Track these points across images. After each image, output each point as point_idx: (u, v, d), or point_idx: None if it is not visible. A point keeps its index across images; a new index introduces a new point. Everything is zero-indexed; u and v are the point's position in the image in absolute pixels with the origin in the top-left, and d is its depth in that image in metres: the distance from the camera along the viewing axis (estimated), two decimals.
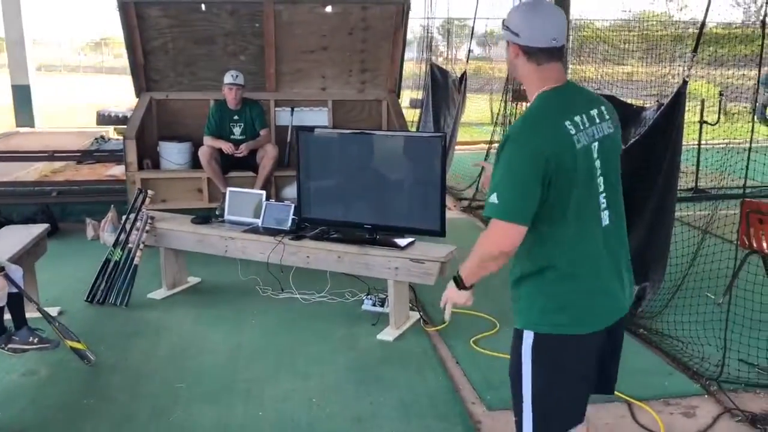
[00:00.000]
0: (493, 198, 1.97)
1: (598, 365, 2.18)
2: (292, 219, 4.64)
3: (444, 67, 11.01)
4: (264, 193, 4.96)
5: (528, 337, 2.09)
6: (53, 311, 4.53)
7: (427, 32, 11.70)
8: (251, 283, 5.02)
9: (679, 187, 5.25)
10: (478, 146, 11.58)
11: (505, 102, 7.44)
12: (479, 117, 14.97)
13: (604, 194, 2.08)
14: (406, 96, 13.69)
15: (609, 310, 2.13)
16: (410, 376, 3.72)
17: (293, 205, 4.68)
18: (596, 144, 2.06)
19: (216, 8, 6.38)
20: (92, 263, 5.05)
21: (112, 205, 6.22)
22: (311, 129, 4.71)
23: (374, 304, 4.64)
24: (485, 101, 14.97)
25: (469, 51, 9.72)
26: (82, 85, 27.32)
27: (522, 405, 2.13)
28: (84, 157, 8.52)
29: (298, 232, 4.56)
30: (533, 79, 2.08)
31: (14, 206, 6.67)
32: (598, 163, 2.06)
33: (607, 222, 2.09)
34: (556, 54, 2.06)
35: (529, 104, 2.12)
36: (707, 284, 4.42)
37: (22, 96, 13.53)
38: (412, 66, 14.27)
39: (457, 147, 10.56)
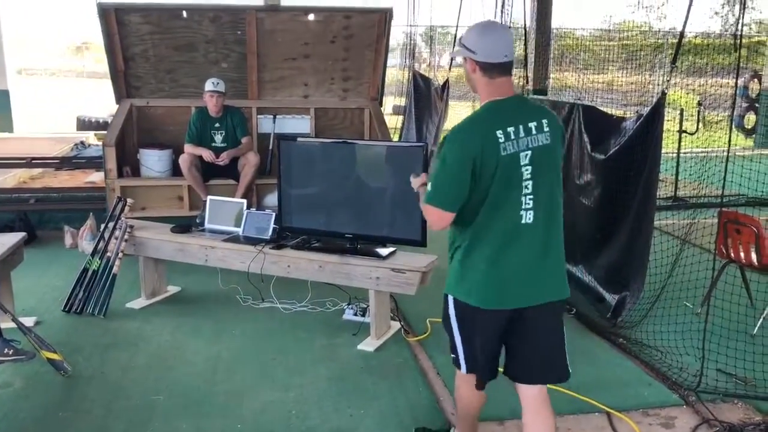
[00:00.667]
0: (429, 187, 2.41)
1: (504, 344, 2.60)
2: (273, 228, 4.61)
3: (427, 74, 11.04)
4: (245, 201, 4.94)
5: (449, 298, 2.56)
6: (29, 321, 4.47)
7: (410, 39, 11.72)
8: (232, 293, 4.98)
9: (658, 196, 5.32)
10: None
11: None
12: None
13: (530, 196, 2.40)
14: (390, 102, 13.73)
15: (511, 297, 2.46)
16: (391, 387, 3.70)
17: (274, 214, 4.65)
18: (528, 152, 2.39)
19: (197, 15, 6.35)
20: (70, 272, 5.00)
21: (91, 213, 6.13)
22: (292, 138, 4.68)
23: (355, 314, 4.63)
24: (468, 108, 15.01)
25: (452, 59, 9.71)
26: (62, 89, 27.04)
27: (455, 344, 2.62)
28: (63, 163, 8.41)
29: (279, 241, 4.53)
30: (486, 91, 2.43)
31: None
32: (527, 169, 2.39)
33: (529, 221, 2.41)
34: (506, 68, 2.41)
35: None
36: (686, 294, 4.45)
37: (0, 100, 13.37)
38: (396, 72, 14.30)
39: None
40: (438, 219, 2.42)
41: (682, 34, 4.21)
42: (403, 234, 4.25)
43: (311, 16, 6.56)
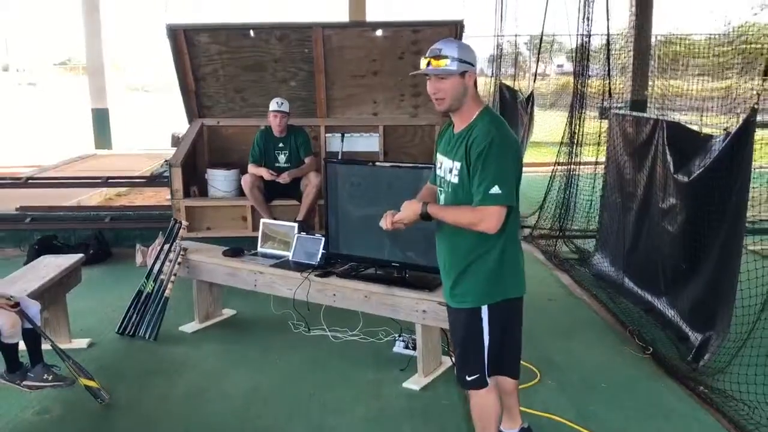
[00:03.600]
0: (495, 189, 2.48)
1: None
2: (322, 253, 4.43)
3: (523, 83, 10.64)
4: (296, 225, 4.78)
5: (483, 310, 2.71)
6: (83, 343, 4.52)
7: (497, 50, 11.35)
8: (285, 318, 4.83)
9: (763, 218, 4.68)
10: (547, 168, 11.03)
11: (572, 120, 6.96)
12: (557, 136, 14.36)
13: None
14: None
15: (524, 282, 2.77)
16: None
17: (323, 239, 4.47)
18: None
19: (265, 34, 6.31)
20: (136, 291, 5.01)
21: (161, 232, 6.19)
22: (341, 160, 4.48)
23: (406, 347, 4.36)
24: (561, 117, 14.36)
25: (536, 73, 9.29)
26: (164, 105, 28.37)
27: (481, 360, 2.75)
28: (139, 182, 8.64)
29: (326, 267, 4.34)
30: (474, 100, 2.66)
31: (72, 231, 6.80)
32: None
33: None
34: None
35: (481, 119, 2.62)
36: None
37: (100, 119, 14.10)
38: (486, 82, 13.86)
39: (525, 169, 10.12)
40: (503, 217, 2.52)
41: None
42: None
43: (379, 32, 6.38)
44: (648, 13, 11.81)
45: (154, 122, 20.66)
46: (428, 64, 2.58)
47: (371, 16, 12.33)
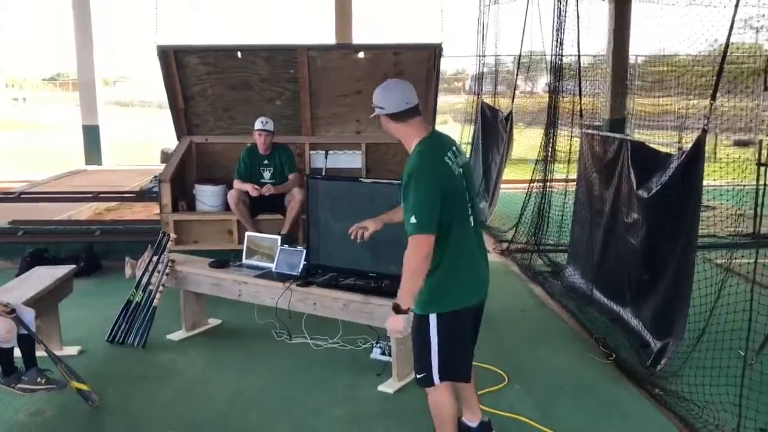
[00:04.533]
0: (413, 219, 2.76)
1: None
2: (303, 264, 4.67)
3: (494, 104, 10.93)
4: (279, 238, 5.02)
5: (431, 318, 2.98)
6: (74, 350, 4.72)
7: (479, 69, 11.68)
8: (268, 327, 5.04)
9: (735, 232, 4.96)
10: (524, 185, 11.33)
11: (547, 137, 7.24)
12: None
13: (469, 204, 2.97)
14: (467, 131, 13.53)
15: (480, 290, 3.07)
16: None
17: (305, 251, 4.71)
18: (461, 170, 2.96)
19: (252, 55, 6.58)
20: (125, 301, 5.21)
21: (150, 245, 6.40)
22: (320, 176, 4.74)
23: (383, 353, 4.58)
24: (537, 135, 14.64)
25: (513, 92, 9.60)
26: (154, 121, 28.55)
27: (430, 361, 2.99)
28: (128, 197, 8.86)
29: (308, 277, 4.58)
30: (406, 133, 2.97)
31: (63, 244, 6.99)
32: (464, 183, 2.96)
33: (472, 225, 2.99)
34: (412, 112, 2.96)
35: (413, 150, 2.92)
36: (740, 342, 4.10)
37: (91, 135, 14.30)
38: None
39: (505, 186, 10.42)
40: (428, 242, 2.77)
41: (721, 68, 3.94)
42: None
43: (361, 54, 6.66)
44: (625, 35, 12.18)
45: (144, 138, 20.89)
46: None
47: (357, 38, 12.66)
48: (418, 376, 3.06)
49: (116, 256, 7.01)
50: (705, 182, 4.16)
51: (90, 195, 8.27)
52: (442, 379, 3.01)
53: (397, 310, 2.85)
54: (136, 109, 37.89)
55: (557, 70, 6.92)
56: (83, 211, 8.31)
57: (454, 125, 17.06)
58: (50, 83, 61.16)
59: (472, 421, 3.33)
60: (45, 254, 6.70)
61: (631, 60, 12.81)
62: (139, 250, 6.68)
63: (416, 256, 2.77)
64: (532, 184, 7.82)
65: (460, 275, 2.93)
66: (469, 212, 2.97)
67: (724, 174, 5.55)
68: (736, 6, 3.70)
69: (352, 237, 3.43)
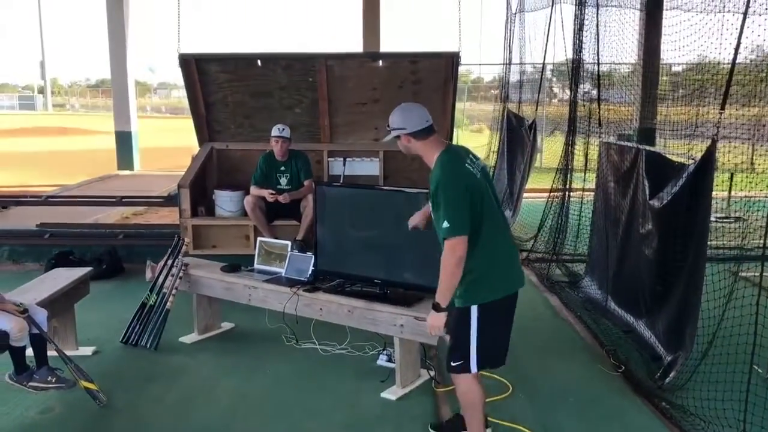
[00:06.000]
0: (445, 224, 3.01)
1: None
2: (312, 270, 4.71)
3: (519, 111, 10.87)
4: (289, 243, 5.08)
5: (473, 309, 3.21)
6: (88, 350, 4.84)
7: (504, 77, 11.63)
8: (279, 331, 5.10)
9: (748, 245, 4.83)
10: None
11: (568, 146, 7.17)
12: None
13: (495, 201, 3.23)
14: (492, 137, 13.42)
15: (518, 279, 3.33)
16: None
17: (314, 257, 4.75)
18: (480, 172, 3.22)
19: (272, 64, 6.69)
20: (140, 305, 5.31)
21: (170, 249, 6.53)
22: (328, 183, 4.78)
23: (389, 360, 4.60)
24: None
25: (538, 95, 9.56)
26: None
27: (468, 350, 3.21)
28: (153, 201, 9.04)
29: (315, 283, 4.62)
30: (427, 149, 3.24)
31: (88, 247, 7.18)
32: (486, 183, 3.21)
33: (502, 219, 3.29)
34: (431, 129, 3.25)
35: (435, 163, 3.18)
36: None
37: (123, 141, 14.62)
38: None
39: (530, 195, 10.34)
40: (462, 243, 3.00)
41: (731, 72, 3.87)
42: (433, 282, 4.18)
43: (379, 63, 6.71)
44: (657, 42, 12.00)
45: (183, 143, 21.28)
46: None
47: (385, 46, 12.73)
48: (454, 364, 3.24)
49: (138, 260, 7.15)
50: (741, 193, 4.09)
51: (114, 199, 8.47)
52: (479, 367, 3.24)
53: (437, 308, 3.11)
54: (177, 115, 38.61)
55: (575, 77, 6.88)
56: (110, 215, 8.51)
57: (489, 134, 17.00)
58: (94, 90, 62.79)
59: None
60: (70, 257, 6.89)
61: (664, 68, 12.65)
62: (162, 253, 6.85)
63: (452, 258, 3.00)
64: (552, 194, 7.76)
65: (497, 267, 3.18)
66: (497, 207, 3.23)
67: (762, 184, 5.44)
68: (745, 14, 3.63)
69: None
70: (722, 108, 3.91)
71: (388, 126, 3.28)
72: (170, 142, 21.34)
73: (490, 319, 3.18)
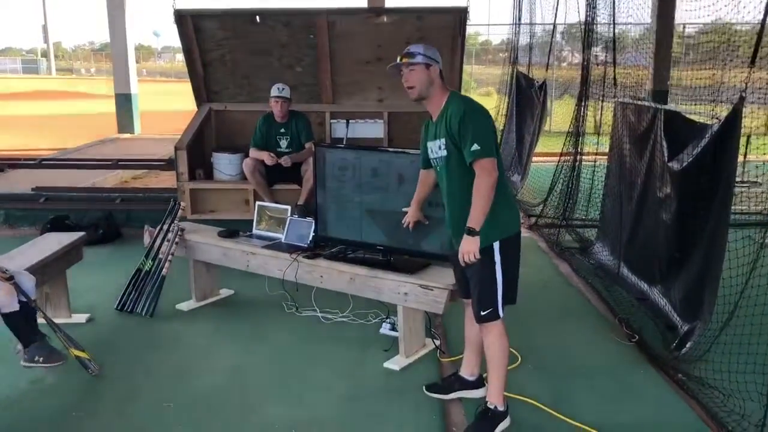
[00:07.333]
0: (475, 146, 2.99)
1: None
2: (312, 236, 4.52)
3: (529, 73, 10.53)
4: (289, 208, 4.87)
5: (495, 246, 3.18)
6: (82, 318, 4.68)
7: (514, 38, 11.26)
8: (279, 299, 4.93)
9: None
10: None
11: (579, 109, 6.89)
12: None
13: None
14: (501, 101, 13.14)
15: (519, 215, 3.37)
16: (404, 412, 3.47)
17: (314, 222, 4.55)
18: None
19: (271, 20, 6.39)
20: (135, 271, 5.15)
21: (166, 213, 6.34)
22: (327, 144, 4.55)
23: (392, 328, 4.43)
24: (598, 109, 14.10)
25: (549, 59, 9.22)
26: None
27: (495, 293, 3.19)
28: (152, 165, 8.82)
29: (315, 250, 4.42)
30: (441, 91, 3.23)
31: (84, 212, 6.99)
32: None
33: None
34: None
35: (450, 100, 3.19)
36: None
37: (123, 103, 14.33)
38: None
39: (539, 158, 10.08)
40: (494, 164, 3.01)
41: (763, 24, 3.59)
42: (438, 249, 3.98)
43: (383, 18, 6.41)
44: (671, 3, 11.59)
45: (184, 108, 20.98)
46: (401, 59, 3.20)
47: (390, 1, 12.29)
48: (483, 313, 3.19)
49: (136, 225, 6.99)
50: (753, 157, 3.85)
51: (110, 162, 8.25)
52: (503, 306, 3.21)
53: (471, 232, 3.03)
54: (182, 79, 38.17)
55: (589, 38, 6.57)
56: (108, 179, 8.30)
57: (498, 97, 16.65)
58: (98, 54, 62.20)
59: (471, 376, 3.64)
60: (66, 221, 6.71)
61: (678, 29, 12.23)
62: (160, 218, 6.67)
63: (489, 179, 2.99)
64: (562, 158, 7.51)
65: (509, 202, 3.24)
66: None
67: None
68: None
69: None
70: (752, 62, 3.63)
71: (410, 52, 3.17)
72: (175, 106, 21.04)
73: (509, 254, 3.19)
